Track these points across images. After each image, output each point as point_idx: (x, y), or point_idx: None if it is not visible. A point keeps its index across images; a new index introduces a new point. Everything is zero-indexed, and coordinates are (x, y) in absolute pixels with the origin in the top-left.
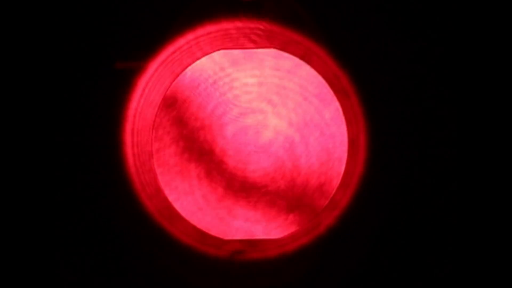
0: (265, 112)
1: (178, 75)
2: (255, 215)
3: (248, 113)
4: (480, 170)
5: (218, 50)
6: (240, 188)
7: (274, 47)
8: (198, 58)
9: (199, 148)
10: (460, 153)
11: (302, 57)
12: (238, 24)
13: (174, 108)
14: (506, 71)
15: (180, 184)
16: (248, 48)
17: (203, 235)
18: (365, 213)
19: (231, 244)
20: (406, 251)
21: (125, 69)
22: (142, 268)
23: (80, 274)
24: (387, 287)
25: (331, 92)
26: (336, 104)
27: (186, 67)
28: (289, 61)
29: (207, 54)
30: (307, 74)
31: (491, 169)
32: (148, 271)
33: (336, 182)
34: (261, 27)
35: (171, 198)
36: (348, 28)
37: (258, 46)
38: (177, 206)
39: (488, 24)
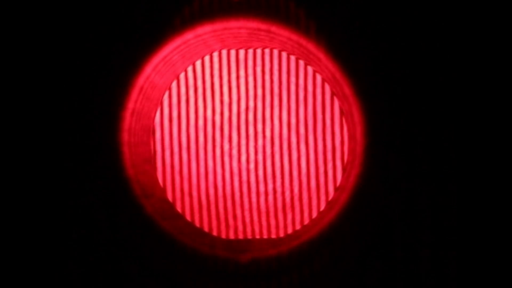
0: (265, 112)
1: (178, 75)
2: (255, 215)
3: (249, 113)
4: (480, 172)
5: (218, 50)
6: (240, 188)
7: (274, 47)
8: (198, 58)
9: (199, 148)
10: (460, 154)
11: (302, 57)
12: (238, 24)
13: (174, 108)
14: (506, 71)
15: (180, 184)
16: (248, 48)
17: (203, 235)
18: (364, 214)
19: (231, 244)
20: (405, 252)
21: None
22: (142, 268)
23: (78, 275)
24: (384, 287)
25: (331, 92)
26: (336, 104)
27: (186, 66)
28: (289, 61)
29: (207, 53)
30: (307, 74)
31: (490, 171)
32: (147, 271)
33: (336, 182)
34: (261, 27)
35: (171, 198)
36: (348, 28)
37: (258, 46)
38: (177, 206)
39: (488, 24)
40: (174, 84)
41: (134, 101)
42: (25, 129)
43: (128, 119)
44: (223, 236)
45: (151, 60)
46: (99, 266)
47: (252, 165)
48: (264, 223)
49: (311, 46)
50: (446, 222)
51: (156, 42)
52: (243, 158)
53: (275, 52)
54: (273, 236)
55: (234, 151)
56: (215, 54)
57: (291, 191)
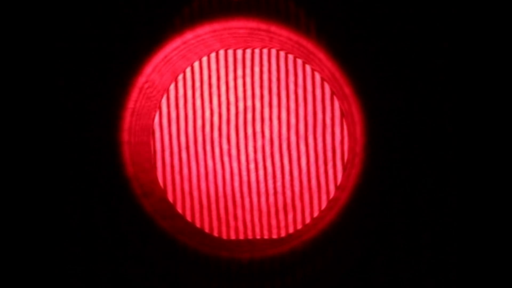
0: (265, 112)
1: (178, 75)
2: (255, 215)
3: (248, 113)
4: (480, 172)
5: (218, 50)
6: (240, 188)
7: (274, 47)
8: (198, 58)
9: (198, 148)
10: (459, 153)
11: (301, 57)
12: (238, 24)
13: (173, 108)
14: (505, 72)
15: (180, 184)
16: (249, 48)
17: (203, 235)
18: (365, 213)
19: (232, 244)
20: (405, 250)
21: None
22: (142, 268)
23: (78, 274)
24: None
25: (331, 92)
26: (336, 104)
27: (186, 66)
28: (289, 61)
29: (206, 53)
30: (307, 74)
31: (490, 171)
32: (148, 271)
33: (336, 181)
34: (261, 27)
35: (171, 198)
36: (348, 28)
37: (258, 46)
38: (177, 206)
39: (488, 25)
40: (173, 84)
41: (134, 101)
42: (25, 129)
43: (128, 119)
44: (224, 236)
45: (151, 60)
46: (99, 266)
47: (252, 165)
48: (264, 223)
49: (311, 46)
50: (445, 220)
51: (156, 42)
52: (243, 158)
53: (274, 51)
54: (274, 236)
55: (234, 151)
56: (214, 55)
57: (292, 190)
